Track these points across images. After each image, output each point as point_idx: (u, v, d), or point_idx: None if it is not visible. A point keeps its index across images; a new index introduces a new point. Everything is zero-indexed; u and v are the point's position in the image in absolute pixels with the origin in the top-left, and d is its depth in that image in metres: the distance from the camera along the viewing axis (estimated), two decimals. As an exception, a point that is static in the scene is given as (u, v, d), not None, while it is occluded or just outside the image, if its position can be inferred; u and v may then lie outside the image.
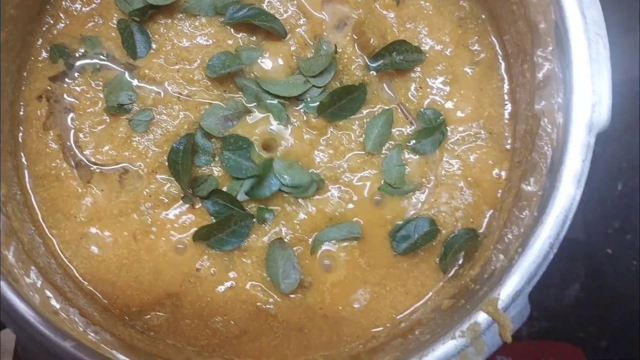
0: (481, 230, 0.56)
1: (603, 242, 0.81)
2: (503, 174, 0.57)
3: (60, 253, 0.55)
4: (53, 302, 0.47)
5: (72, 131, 0.56)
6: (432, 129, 0.57)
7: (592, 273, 0.82)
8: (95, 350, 0.44)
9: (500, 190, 0.56)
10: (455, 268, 0.56)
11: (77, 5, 0.58)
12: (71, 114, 0.56)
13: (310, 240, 0.56)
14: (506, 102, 0.58)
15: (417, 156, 0.57)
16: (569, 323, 0.81)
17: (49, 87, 0.57)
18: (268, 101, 0.56)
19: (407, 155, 0.57)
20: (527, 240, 0.45)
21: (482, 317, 0.45)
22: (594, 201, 0.84)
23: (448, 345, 0.44)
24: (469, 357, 0.44)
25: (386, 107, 0.57)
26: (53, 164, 0.56)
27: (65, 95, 0.57)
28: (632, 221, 0.84)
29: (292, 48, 0.58)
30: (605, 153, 0.81)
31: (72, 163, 0.56)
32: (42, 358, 0.45)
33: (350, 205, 0.56)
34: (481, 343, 0.44)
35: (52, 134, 0.56)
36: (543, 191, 0.47)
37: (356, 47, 0.58)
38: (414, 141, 0.57)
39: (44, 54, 0.57)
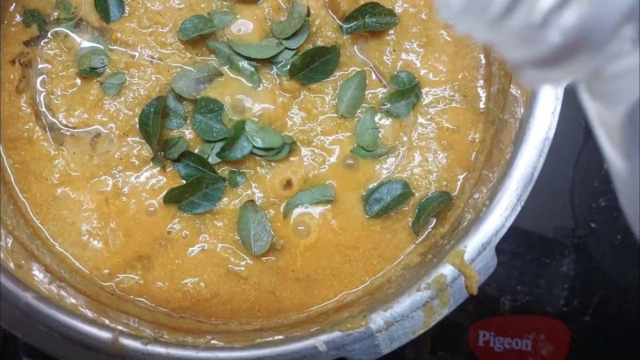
0: (454, 193, 0.56)
1: (588, 217, 0.81)
2: (477, 136, 0.56)
3: (32, 215, 0.54)
4: (18, 256, 0.47)
5: (44, 94, 0.56)
6: (406, 92, 0.57)
7: (575, 248, 0.81)
8: (58, 303, 0.44)
9: (474, 153, 0.56)
10: (428, 231, 0.56)
11: (50, -30, 0.58)
12: (44, 77, 0.56)
13: (283, 204, 0.55)
14: (481, 65, 0.58)
15: (391, 119, 0.57)
16: (553, 297, 0.81)
17: (22, 52, 0.57)
18: (240, 64, 0.56)
19: (380, 119, 0.57)
20: (494, 193, 0.45)
21: (448, 270, 0.44)
22: (580, 182, 0.83)
23: (413, 297, 0.44)
24: (434, 309, 0.43)
25: (359, 70, 0.57)
26: (25, 127, 0.56)
27: (38, 59, 0.57)
28: (617, 200, 0.84)
29: (266, 12, 0.57)
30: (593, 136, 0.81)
31: (45, 126, 0.56)
32: (6, 313, 0.44)
33: (324, 168, 0.56)
34: (447, 295, 0.43)
35: (24, 97, 0.56)
36: (513, 146, 0.47)
37: (329, 11, 0.57)
38: (387, 104, 0.57)
39: (18, 18, 0.57)
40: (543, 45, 0.18)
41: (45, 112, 0.56)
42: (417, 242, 0.55)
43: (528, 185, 0.44)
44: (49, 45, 0.57)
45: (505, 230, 0.44)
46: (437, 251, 0.47)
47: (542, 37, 0.18)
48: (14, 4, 0.57)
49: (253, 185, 0.55)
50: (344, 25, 0.57)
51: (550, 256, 0.86)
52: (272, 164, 0.56)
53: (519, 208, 0.44)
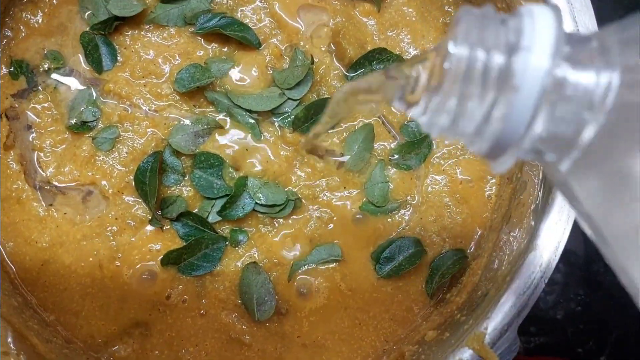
0: (470, 251, 0.53)
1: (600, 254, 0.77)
2: (493, 191, 0.53)
3: (20, 281, 0.51)
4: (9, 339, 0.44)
5: (34, 150, 0.53)
6: (417, 143, 0.54)
7: (590, 286, 0.78)
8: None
9: (489, 208, 0.53)
10: (443, 292, 0.52)
11: (38, 18, 0.54)
12: (32, 133, 0.53)
13: (288, 265, 0.52)
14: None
15: (401, 172, 0.54)
16: (567, 338, 0.78)
17: (10, 106, 0.53)
18: (240, 116, 0.53)
19: (390, 172, 0.54)
20: (516, 268, 0.42)
21: (467, 354, 0.41)
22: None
23: (431, 384, 0.41)
24: (453, 395, 0.40)
25: (367, 121, 0.54)
26: (14, 186, 0.53)
27: (27, 113, 0.53)
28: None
29: (267, 59, 0.54)
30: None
31: (35, 184, 0.53)
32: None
33: (330, 226, 0.53)
34: (467, 381, 0.40)
35: (12, 154, 0.53)
36: (534, 214, 0.43)
37: (334, 58, 0.54)
38: (397, 156, 0.54)
39: (4, 70, 0.54)
40: (480, 147, 0.25)
41: (35, 169, 0.53)
42: (431, 304, 0.52)
43: (552, 261, 0.41)
44: (38, 98, 0.53)
45: (528, 309, 0.41)
46: (455, 328, 0.44)
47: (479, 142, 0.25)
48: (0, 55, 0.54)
49: (255, 244, 0.52)
50: (349, 74, 0.54)
51: (564, 295, 0.83)
52: (276, 221, 0.53)
53: (543, 286, 0.41)
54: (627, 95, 0.23)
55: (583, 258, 0.79)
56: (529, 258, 0.41)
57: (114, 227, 0.52)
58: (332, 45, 0.54)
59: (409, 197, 0.54)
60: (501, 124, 0.23)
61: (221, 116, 0.53)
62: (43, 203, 0.52)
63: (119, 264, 0.51)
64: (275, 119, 0.54)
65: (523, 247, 0.43)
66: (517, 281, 0.41)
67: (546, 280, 0.41)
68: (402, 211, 0.53)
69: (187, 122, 0.53)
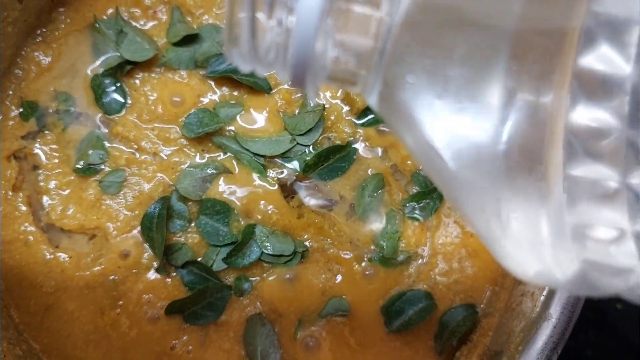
0: (481, 307, 0.51)
1: (612, 298, 0.75)
2: (506, 244, 0.51)
3: (24, 327, 0.51)
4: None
5: (39, 193, 0.53)
6: (428, 193, 0.52)
7: (602, 330, 0.75)
8: None
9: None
10: (451, 347, 0.51)
11: (49, 59, 0.54)
12: (39, 175, 0.53)
13: (293, 315, 0.51)
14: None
15: (412, 223, 0.52)
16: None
17: (20, 147, 0.53)
18: (249, 160, 0.52)
19: (401, 222, 0.52)
20: (529, 337, 0.40)
21: None
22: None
23: None
24: None
25: (377, 170, 0.53)
26: (22, 228, 0.52)
27: (34, 154, 0.53)
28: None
29: (278, 103, 0.53)
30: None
31: (43, 227, 0.53)
32: None
33: (339, 278, 0.52)
34: None
35: (21, 195, 0.53)
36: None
37: (344, 105, 0.53)
38: (408, 206, 0.52)
39: (14, 112, 0.54)
40: (284, 75, 0.24)
41: (42, 211, 0.53)
42: (440, 361, 0.50)
43: (565, 332, 0.39)
44: (46, 139, 0.53)
45: (541, 382, 0.39)
46: (464, 398, 0.43)
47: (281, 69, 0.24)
48: (10, 96, 0.54)
49: (260, 294, 0.51)
50: (357, 122, 0.53)
51: (573, 338, 0.80)
52: (281, 271, 0.52)
53: (555, 357, 0.39)
54: (412, 16, 0.22)
55: (595, 303, 0.76)
56: (542, 327, 0.40)
57: (118, 274, 0.51)
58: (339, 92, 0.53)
59: (419, 249, 0.52)
60: (291, 46, 0.22)
61: (230, 161, 0.53)
62: (50, 246, 0.52)
63: (119, 311, 0.51)
64: (285, 164, 0.53)
65: (536, 315, 0.41)
66: (530, 351, 0.40)
67: (559, 352, 0.39)
68: (412, 263, 0.52)
69: (195, 167, 0.52)
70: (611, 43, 0.19)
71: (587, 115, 0.20)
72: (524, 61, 0.21)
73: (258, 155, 0.52)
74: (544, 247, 0.22)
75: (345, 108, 0.53)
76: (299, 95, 0.54)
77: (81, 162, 0.52)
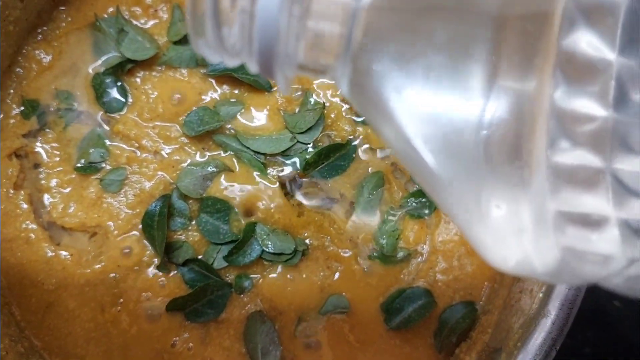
0: (480, 304, 0.51)
1: (610, 294, 0.75)
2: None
3: (25, 324, 0.51)
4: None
5: (40, 191, 0.53)
6: (428, 191, 0.52)
7: (601, 328, 0.75)
8: None
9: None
10: (451, 345, 0.51)
11: (50, 57, 0.54)
12: (40, 173, 0.53)
13: (293, 312, 0.51)
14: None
15: (412, 220, 0.53)
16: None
17: (21, 146, 0.53)
18: (249, 159, 0.52)
19: (400, 220, 0.53)
20: (528, 333, 0.40)
21: (475, 423, 0.40)
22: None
23: None
24: None
25: (377, 168, 0.53)
26: (23, 226, 0.53)
27: (35, 152, 0.53)
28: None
29: (279, 102, 0.54)
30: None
31: (44, 224, 0.53)
32: None
33: (339, 276, 0.52)
34: None
35: (22, 193, 0.53)
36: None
37: (344, 103, 0.53)
38: (408, 204, 0.53)
39: (15, 110, 0.54)
40: (252, 65, 0.24)
41: (43, 209, 0.53)
42: (440, 358, 0.51)
43: (564, 329, 0.39)
44: (47, 137, 0.53)
45: (539, 378, 0.39)
46: (463, 394, 0.43)
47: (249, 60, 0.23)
48: (11, 95, 0.54)
49: (260, 292, 0.51)
50: (357, 120, 0.53)
51: (571, 336, 0.80)
52: (281, 269, 0.52)
53: (554, 354, 0.39)
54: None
55: (592, 301, 0.76)
56: (540, 324, 0.40)
57: (119, 271, 0.51)
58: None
59: (419, 247, 0.52)
60: (255, 34, 0.22)
61: (230, 159, 0.53)
62: (51, 244, 0.52)
63: (120, 309, 0.51)
64: (284, 162, 0.53)
65: (535, 311, 0.42)
66: (529, 348, 0.40)
67: (557, 348, 0.39)
68: (412, 260, 0.52)
69: (195, 165, 0.52)
70: (595, 26, 0.19)
71: (571, 100, 0.20)
72: (505, 46, 0.20)
73: (258, 153, 0.52)
74: (524, 235, 0.22)
75: (345, 106, 0.54)
76: (300, 93, 0.54)
77: (82, 161, 0.53)
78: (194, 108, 0.53)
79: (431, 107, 0.22)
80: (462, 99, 0.21)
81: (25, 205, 0.53)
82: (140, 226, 0.51)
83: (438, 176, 0.22)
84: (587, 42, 0.19)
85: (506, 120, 0.20)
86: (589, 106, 0.19)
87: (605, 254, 0.21)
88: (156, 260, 0.51)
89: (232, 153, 0.53)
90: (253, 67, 0.24)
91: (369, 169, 0.53)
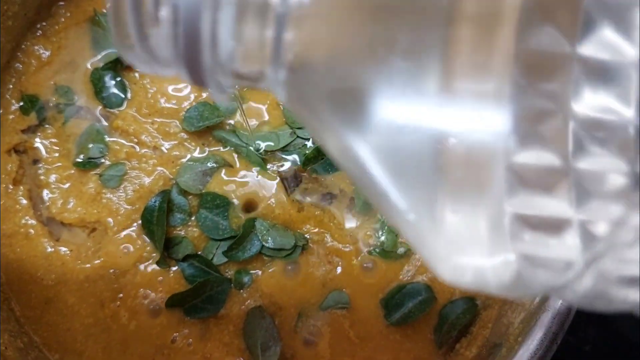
0: (481, 298, 0.51)
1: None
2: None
3: (24, 320, 0.51)
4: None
5: (40, 187, 0.53)
6: (428, 186, 0.52)
7: (601, 327, 0.75)
8: None
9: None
10: (451, 340, 0.51)
11: (49, 52, 0.54)
12: (40, 168, 0.53)
13: (293, 308, 0.51)
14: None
15: (412, 216, 0.52)
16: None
17: (20, 141, 0.53)
18: (249, 154, 0.52)
19: (400, 215, 0.52)
20: (529, 328, 0.40)
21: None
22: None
23: None
24: None
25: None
26: (22, 222, 0.53)
27: (35, 148, 0.53)
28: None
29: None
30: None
31: (43, 220, 0.53)
32: None
33: (339, 271, 0.52)
34: None
35: (22, 189, 0.53)
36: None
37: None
38: (408, 199, 0.52)
39: (15, 106, 0.54)
40: (181, 73, 0.22)
41: (42, 205, 0.53)
42: (440, 353, 0.50)
43: (565, 323, 0.39)
44: (46, 133, 0.53)
45: (541, 373, 0.39)
46: (464, 388, 0.43)
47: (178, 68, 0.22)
48: (10, 90, 0.54)
49: (260, 287, 0.51)
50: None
51: (572, 334, 0.80)
52: (281, 264, 0.52)
53: (555, 348, 0.39)
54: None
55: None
56: (541, 319, 0.40)
57: (118, 267, 0.51)
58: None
59: (419, 242, 0.52)
60: (180, 42, 0.20)
61: (230, 155, 0.53)
62: (51, 239, 0.52)
63: (119, 304, 0.51)
64: (284, 157, 0.53)
65: (535, 306, 0.41)
66: (529, 343, 0.40)
67: (558, 342, 0.39)
68: (412, 256, 0.52)
69: (195, 161, 0.52)
70: (554, 20, 0.18)
71: (529, 98, 0.18)
72: (461, 46, 0.19)
73: (258, 148, 0.52)
74: (480, 245, 0.20)
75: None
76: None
77: (81, 156, 0.52)
78: (193, 103, 0.53)
79: (382, 112, 0.20)
80: (415, 102, 0.20)
81: (24, 201, 0.53)
82: (139, 222, 0.51)
83: (385, 187, 0.21)
84: (546, 36, 0.18)
85: (465, 124, 0.19)
86: (547, 104, 0.18)
87: (564, 260, 0.20)
88: (155, 256, 0.51)
89: (231, 148, 0.53)
90: (185, 77, 0.22)
91: (369, 164, 0.53)
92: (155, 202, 0.51)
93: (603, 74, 0.18)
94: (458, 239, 0.21)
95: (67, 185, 0.52)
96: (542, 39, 0.18)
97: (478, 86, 0.19)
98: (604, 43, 0.18)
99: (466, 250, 0.21)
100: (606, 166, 0.18)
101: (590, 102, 0.18)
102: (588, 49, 0.18)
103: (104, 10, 0.55)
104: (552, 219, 0.19)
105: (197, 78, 0.22)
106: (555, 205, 0.19)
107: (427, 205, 0.21)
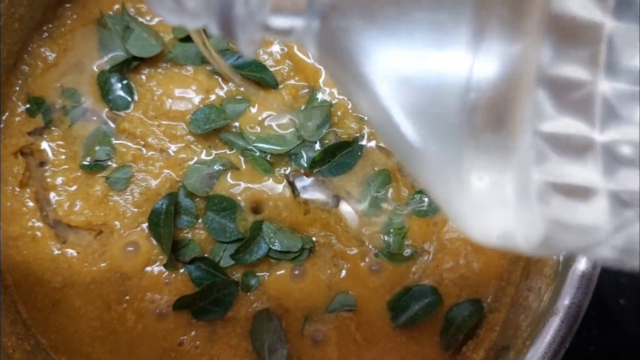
0: (487, 302, 0.51)
1: (616, 292, 0.75)
2: (512, 240, 0.52)
3: (31, 322, 0.51)
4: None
5: (46, 189, 0.53)
6: (435, 189, 0.52)
7: (606, 326, 0.75)
8: None
9: (506, 259, 0.51)
10: (458, 343, 0.51)
11: (56, 55, 0.54)
12: (46, 171, 0.53)
13: (300, 310, 0.51)
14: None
15: (418, 219, 0.52)
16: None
17: (26, 144, 0.53)
18: (255, 157, 0.52)
19: (407, 218, 0.52)
20: (537, 332, 0.40)
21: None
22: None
23: None
24: None
25: (383, 166, 0.53)
26: (29, 224, 0.53)
27: (41, 150, 0.53)
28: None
29: (286, 99, 0.54)
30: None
31: (50, 222, 0.53)
32: None
33: (346, 274, 0.52)
34: None
35: (28, 191, 0.53)
36: (554, 273, 0.42)
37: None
38: (414, 202, 0.52)
39: (21, 108, 0.54)
40: (212, 26, 0.22)
41: (49, 207, 0.53)
42: (447, 356, 0.51)
43: (573, 327, 0.39)
44: (53, 135, 0.53)
45: (549, 377, 0.39)
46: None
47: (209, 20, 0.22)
48: (16, 92, 0.54)
49: (267, 290, 0.51)
50: (364, 117, 0.53)
51: (575, 334, 0.80)
52: (288, 266, 0.52)
53: (563, 352, 0.39)
54: None
55: (598, 299, 0.76)
56: (549, 322, 0.40)
57: (124, 270, 0.51)
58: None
59: (425, 244, 0.52)
60: None
61: (236, 157, 0.53)
62: (57, 242, 0.52)
63: (126, 306, 0.51)
64: (291, 160, 0.53)
65: (543, 309, 0.42)
66: (537, 346, 0.40)
67: (567, 346, 0.39)
68: (418, 258, 0.52)
69: (201, 163, 0.52)
70: None
71: (559, 65, 0.18)
72: (493, 4, 0.19)
73: (265, 152, 0.52)
74: (507, 207, 0.21)
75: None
76: (306, 91, 0.54)
77: (88, 159, 0.52)
78: (200, 106, 0.53)
79: (411, 69, 0.20)
80: (446, 60, 0.20)
81: (31, 203, 0.53)
82: (146, 224, 0.51)
83: (416, 145, 0.21)
84: (578, 3, 0.18)
85: (492, 84, 0.19)
86: (578, 72, 0.18)
87: (591, 225, 0.20)
88: (162, 258, 0.51)
89: (238, 151, 0.53)
90: (214, 29, 0.22)
91: (376, 167, 0.53)
92: (162, 204, 0.51)
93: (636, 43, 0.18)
94: (485, 201, 0.21)
95: (74, 187, 0.52)
96: (574, 5, 0.18)
97: (507, 47, 0.19)
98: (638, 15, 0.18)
99: (493, 212, 0.21)
100: (635, 136, 0.18)
101: (623, 72, 0.18)
102: (622, 19, 0.18)
103: (111, 13, 0.55)
104: (580, 186, 0.19)
105: (227, 29, 0.21)
106: (584, 173, 0.19)
107: (454, 166, 0.21)
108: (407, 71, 0.20)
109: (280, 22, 0.22)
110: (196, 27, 0.23)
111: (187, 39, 0.53)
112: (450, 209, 0.22)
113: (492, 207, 0.21)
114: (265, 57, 0.54)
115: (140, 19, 0.54)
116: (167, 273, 0.51)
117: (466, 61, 0.19)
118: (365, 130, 0.53)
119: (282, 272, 0.52)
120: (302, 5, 0.21)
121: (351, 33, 0.21)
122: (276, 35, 0.23)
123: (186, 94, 0.53)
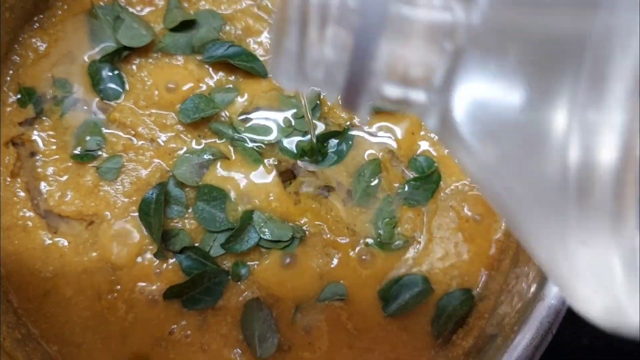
0: (477, 291, 0.51)
1: None
2: (500, 229, 0.52)
3: (22, 312, 0.51)
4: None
5: (37, 179, 0.53)
6: (425, 178, 0.52)
7: (598, 332, 0.75)
8: None
9: (496, 248, 0.51)
10: (448, 331, 0.51)
11: (47, 45, 0.54)
12: (37, 161, 0.53)
13: (291, 300, 0.51)
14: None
15: (409, 208, 0.52)
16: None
17: (17, 134, 0.53)
18: (245, 147, 0.52)
19: (397, 207, 0.52)
20: (525, 317, 0.40)
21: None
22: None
23: None
24: None
25: (374, 156, 0.53)
26: (20, 214, 0.53)
27: (32, 140, 0.53)
28: None
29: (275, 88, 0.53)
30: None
31: (41, 212, 0.53)
32: None
33: (336, 263, 0.52)
34: None
35: (19, 181, 0.53)
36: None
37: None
38: (405, 191, 0.52)
39: (12, 98, 0.54)
40: (334, 94, 0.22)
41: (40, 197, 0.53)
42: (437, 344, 0.51)
43: (561, 312, 0.39)
44: (43, 125, 0.53)
45: (536, 360, 0.39)
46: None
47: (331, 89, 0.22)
48: (8, 80, 0.54)
49: (257, 279, 0.51)
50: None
51: (569, 327, 0.79)
52: (278, 256, 0.52)
53: (550, 337, 0.39)
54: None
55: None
56: (537, 308, 0.40)
57: (115, 259, 0.51)
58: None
59: (416, 234, 0.52)
60: (345, 66, 0.20)
61: (226, 147, 0.53)
62: (49, 232, 0.52)
63: (116, 296, 0.51)
64: (281, 150, 0.53)
65: (532, 295, 0.42)
66: (525, 331, 0.40)
67: (554, 332, 0.39)
68: (409, 248, 0.52)
69: (191, 153, 0.52)
70: None
71: None
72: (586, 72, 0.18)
73: (254, 141, 0.52)
74: (615, 279, 0.20)
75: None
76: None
77: (78, 149, 0.52)
78: (190, 95, 0.53)
79: (524, 142, 0.20)
80: (547, 135, 0.19)
81: (22, 193, 0.53)
82: (137, 214, 0.51)
83: (525, 215, 0.21)
84: None
85: (595, 159, 0.18)
86: None
87: None
88: (153, 248, 0.51)
89: (227, 141, 0.53)
90: (332, 97, 0.22)
91: (366, 157, 0.53)
92: (152, 194, 0.51)
93: None
94: (589, 275, 0.20)
95: (65, 177, 0.53)
96: None
97: (611, 117, 0.18)
98: None
99: (599, 283, 0.20)
100: None
101: None
102: None
103: (101, 3, 0.55)
104: None
105: (350, 102, 0.21)
106: None
107: (558, 239, 0.20)
108: (524, 143, 0.20)
109: (403, 97, 0.22)
110: (309, 92, 0.23)
111: (178, 28, 0.53)
112: (556, 277, 0.22)
113: (598, 278, 0.20)
114: (255, 46, 0.54)
115: (130, 9, 0.54)
116: (157, 263, 0.51)
117: (564, 138, 0.19)
118: (356, 120, 0.53)
119: (273, 261, 0.51)
120: (433, 85, 0.21)
121: (476, 110, 0.21)
122: (393, 107, 0.23)
123: (176, 83, 0.53)
